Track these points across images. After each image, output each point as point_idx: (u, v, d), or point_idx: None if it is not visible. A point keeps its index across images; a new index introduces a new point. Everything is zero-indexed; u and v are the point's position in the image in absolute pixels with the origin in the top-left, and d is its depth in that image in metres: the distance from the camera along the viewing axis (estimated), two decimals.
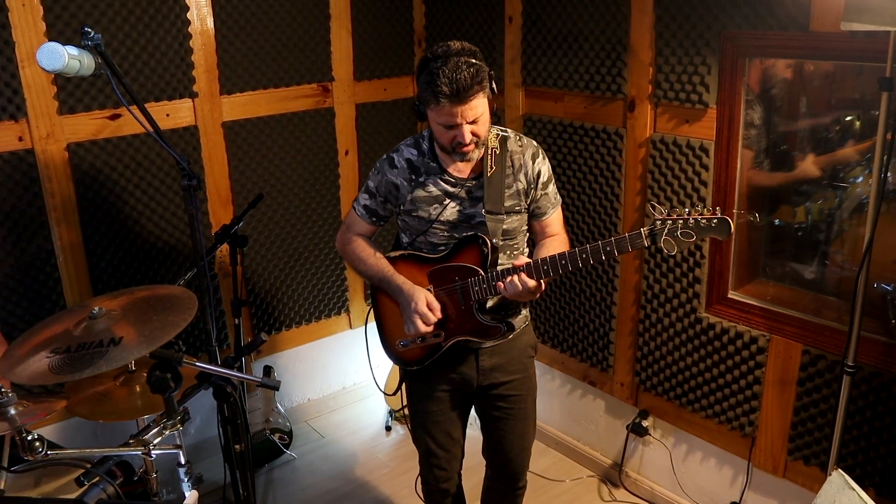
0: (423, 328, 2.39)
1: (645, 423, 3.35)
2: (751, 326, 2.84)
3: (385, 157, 2.50)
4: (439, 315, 2.39)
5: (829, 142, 2.65)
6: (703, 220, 2.11)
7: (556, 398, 3.83)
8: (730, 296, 2.90)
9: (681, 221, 2.13)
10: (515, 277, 2.26)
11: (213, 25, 3.34)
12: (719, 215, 2.11)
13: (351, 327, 4.20)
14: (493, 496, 2.88)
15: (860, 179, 2.58)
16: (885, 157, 2.20)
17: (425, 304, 2.38)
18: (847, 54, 2.43)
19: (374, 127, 3.98)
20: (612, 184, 3.20)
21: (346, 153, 3.92)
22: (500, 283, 2.30)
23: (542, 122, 3.43)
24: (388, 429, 4.12)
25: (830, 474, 2.16)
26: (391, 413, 4.16)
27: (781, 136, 2.77)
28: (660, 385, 3.23)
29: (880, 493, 2.59)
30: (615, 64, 3.06)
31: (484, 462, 2.84)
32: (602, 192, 3.25)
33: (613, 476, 3.59)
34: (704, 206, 2.14)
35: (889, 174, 2.26)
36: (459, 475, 2.81)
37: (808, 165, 2.69)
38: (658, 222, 2.16)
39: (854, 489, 2.05)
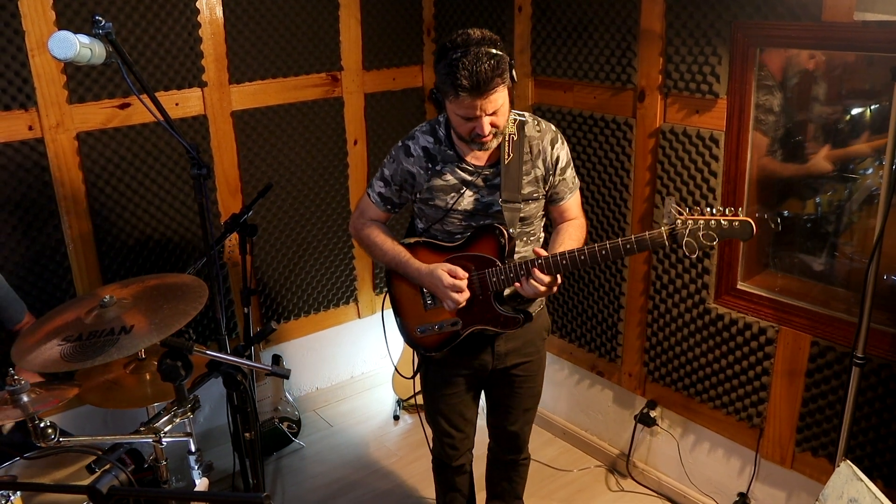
0: (460, 298, 2.34)
1: (653, 414, 3.35)
2: (759, 317, 2.84)
3: (400, 144, 2.46)
4: (464, 275, 2.35)
5: (839, 133, 2.64)
6: (725, 222, 2.09)
7: (563, 388, 3.83)
8: (739, 287, 2.90)
9: (702, 222, 2.11)
10: (532, 280, 2.25)
11: (221, 14, 3.34)
12: (742, 217, 2.08)
13: (359, 317, 4.21)
14: (499, 468, 2.92)
15: (870, 171, 2.57)
16: None
17: (449, 276, 2.34)
18: (859, 44, 2.41)
19: (382, 116, 3.98)
20: (621, 174, 3.19)
21: (355, 143, 3.92)
22: (518, 284, 2.30)
23: (551, 112, 3.42)
24: (396, 418, 4.13)
25: (839, 465, 2.17)
26: (399, 402, 4.17)
27: (795, 126, 2.76)
28: (668, 375, 3.23)
29: (888, 484, 2.59)
30: (625, 54, 3.05)
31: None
32: (611, 182, 3.24)
33: (621, 466, 3.59)
34: (727, 208, 2.12)
35: None
36: (471, 452, 2.83)
37: (820, 160, 2.68)
38: (679, 223, 2.13)
39: (862, 480, 2.05)
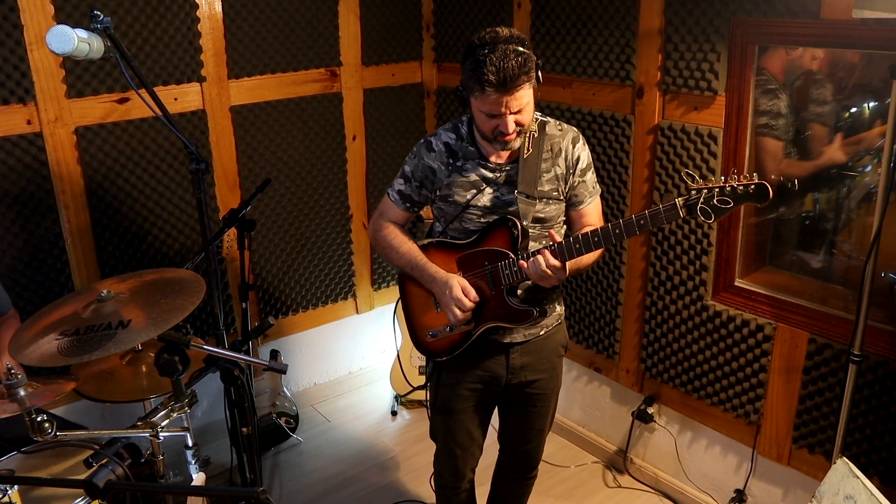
0: (459, 315, 2.33)
1: (650, 410, 3.36)
2: (757, 314, 2.84)
3: (423, 140, 2.45)
4: (475, 298, 2.33)
5: (840, 131, 2.63)
6: (741, 188, 2.03)
7: (561, 384, 3.82)
8: (737, 284, 2.90)
9: (717, 189, 2.04)
10: (539, 256, 2.20)
11: (220, 9, 3.34)
12: (757, 181, 2.01)
13: (357, 312, 4.21)
14: (506, 484, 2.87)
15: (868, 168, 2.57)
16: (895, 146, 2.19)
17: (460, 289, 2.32)
18: (858, 42, 2.41)
19: (381, 112, 3.98)
20: (619, 171, 3.19)
21: (354, 138, 3.92)
22: (523, 263, 2.24)
23: (549, 108, 3.42)
24: (394, 413, 4.13)
25: (835, 462, 2.17)
26: (397, 398, 4.17)
27: (804, 124, 2.74)
28: (665, 372, 3.24)
29: (884, 481, 2.60)
30: (624, 50, 3.05)
31: (490, 452, 2.83)
32: (609, 178, 3.24)
33: (618, 462, 3.60)
34: (741, 175, 2.06)
35: None
36: (473, 471, 2.77)
37: (835, 151, 2.65)
38: (693, 192, 2.07)
39: (858, 477, 2.05)
